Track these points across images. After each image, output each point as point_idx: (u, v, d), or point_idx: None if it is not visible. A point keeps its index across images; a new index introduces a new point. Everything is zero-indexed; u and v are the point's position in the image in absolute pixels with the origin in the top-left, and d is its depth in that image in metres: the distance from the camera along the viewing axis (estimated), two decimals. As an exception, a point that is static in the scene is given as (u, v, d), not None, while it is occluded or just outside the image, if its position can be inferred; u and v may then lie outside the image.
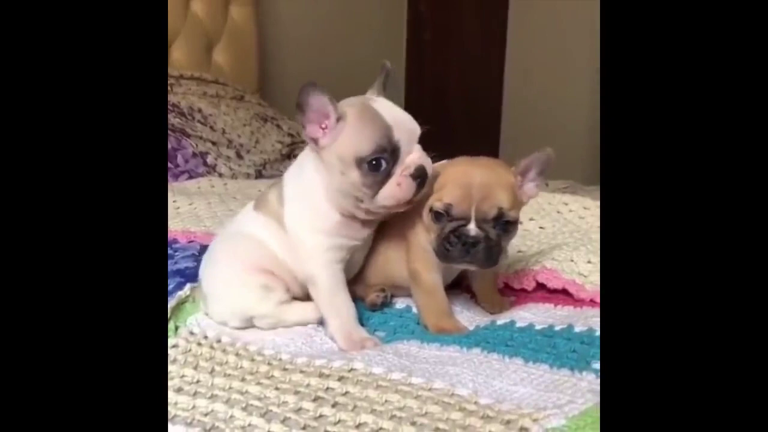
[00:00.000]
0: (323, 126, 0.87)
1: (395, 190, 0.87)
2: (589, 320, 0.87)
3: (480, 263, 0.89)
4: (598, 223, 1.33)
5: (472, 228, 0.86)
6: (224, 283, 0.95)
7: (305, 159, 0.95)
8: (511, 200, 0.88)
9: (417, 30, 3.69)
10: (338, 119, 0.87)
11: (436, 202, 0.88)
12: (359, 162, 0.86)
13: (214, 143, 2.09)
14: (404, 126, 0.88)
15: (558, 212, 1.40)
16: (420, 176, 0.87)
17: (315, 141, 0.88)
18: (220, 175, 1.98)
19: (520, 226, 1.30)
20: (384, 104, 0.90)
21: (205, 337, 0.91)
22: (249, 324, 0.94)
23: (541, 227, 1.33)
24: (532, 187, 0.92)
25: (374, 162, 0.85)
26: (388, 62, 0.97)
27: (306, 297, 0.97)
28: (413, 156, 0.88)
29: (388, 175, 0.87)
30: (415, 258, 0.96)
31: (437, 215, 0.89)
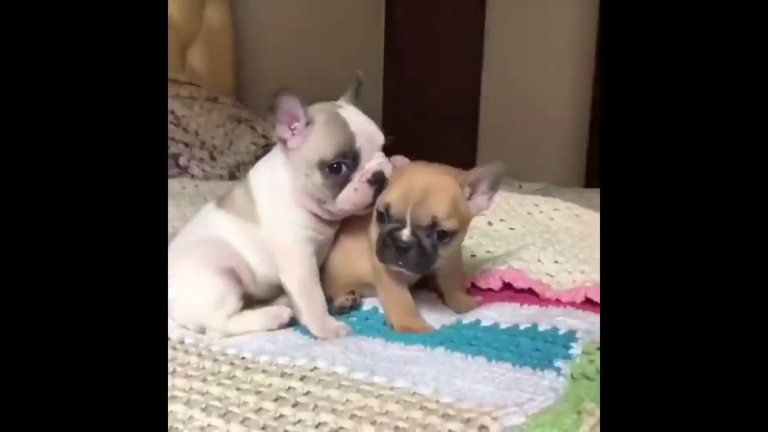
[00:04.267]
0: (292, 128, 0.92)
1: (352, 194, 0.92)
2: (553, 319, 0.88)
3: (410, 268, 0.89)
4: (568, 224, 1.34)
5: (405, 233, 0.86)
6: (179, 290, 0.93)
7: (276, 157, 0.98)
8: (449, 210, 0.86)
9: (394, 34, 3.69)
10: (307, 123, 0.91)
11: (380, 201, 0.89)
12: (321, 165, 0.91)
13: (186, 144, 2.08)
14: (367, 134, 0.93)
15: (528, 213, 1.41)
16: (377, 181, 0.92)
17: (284, 142, 0.93)
18: (193, 176, 1.96)
19: (489, 227, 1.32)
20: (351, 112, 0.95)
21: (169, 339, 0.89)
22: (202, 332, 0.94)
23: (511, 228, 1.33)
24: (483, 200, 0.92)
25: (335, 166, 0.90)
26: (360, 72, 1.02)
27: (261, 296, 1.00)
28: (373, 162, 0.92)
29: (347, 179, 0.91)
30: (377, 255, 0.95)
31: (379, 215, 0.89)
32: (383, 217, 0.88)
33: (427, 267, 0.89)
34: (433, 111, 3.62)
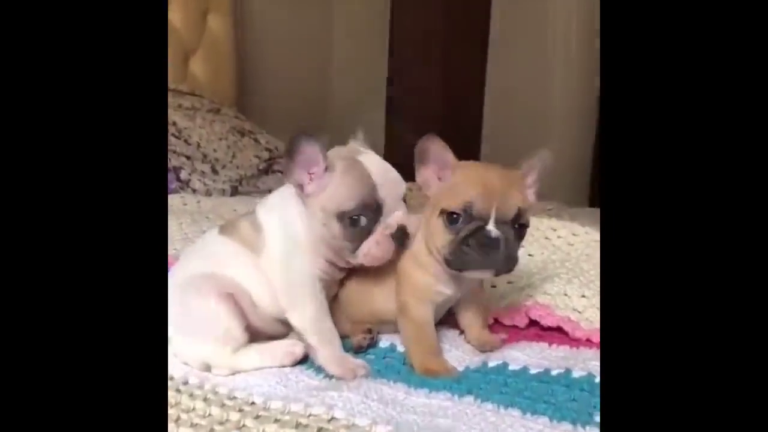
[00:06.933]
0: (311, 173, 0.86)
1: (374, 248, 0.86)
2: (587, 363, 0.82)
3: (499, 267, 0.82)
4: (587, 251, 1.28)
5: (492, 229, 0.80)
6: (179, 326, 0.87)
7: (288, 197, 0.91)
8: (527, 201, 0.83)
9: (399, 44, 3.64)
10: (326, 169, 0.85)
11: (451, 203, 0.82)
12: (341, 216, 0.85)
13: (188, 157, 2.01)
14: (389, 184, 0.87)
15: (546, 238, 1.35)
16: (400, 237, 0.87)
17: (300, 187, 0.87)
18: (194, 190, 1.90)
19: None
20: (373, 160, 0.89)
21: (171, 378, 0.83)
22: (207, 370, 0.87)
23: (529, 255, 1.27)
24: (531, 194, 0.88)
25: (355, 218, 0.84)
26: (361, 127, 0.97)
27: (268, 331, 0.93)
28: (397, 215, 0.87)
29: (368, 231, 0.86)
30: (405, 290, 0.89)
31: (453, 217, 0.82)
32: (458, 218, 0.81)
33: (514, 265, 0.83)
34: (437, 121, 3.56)
